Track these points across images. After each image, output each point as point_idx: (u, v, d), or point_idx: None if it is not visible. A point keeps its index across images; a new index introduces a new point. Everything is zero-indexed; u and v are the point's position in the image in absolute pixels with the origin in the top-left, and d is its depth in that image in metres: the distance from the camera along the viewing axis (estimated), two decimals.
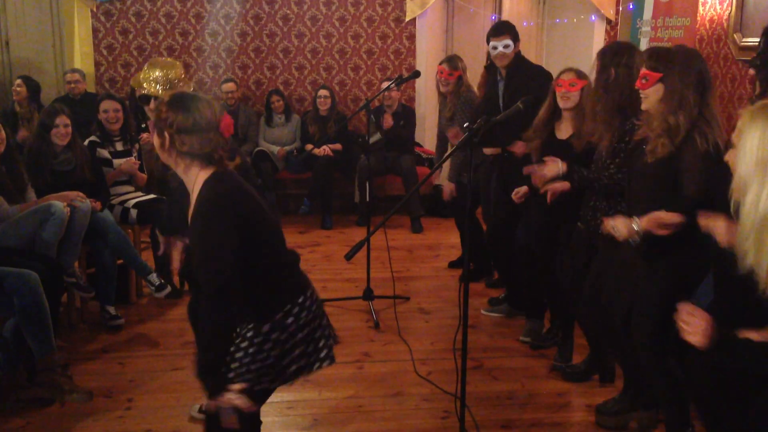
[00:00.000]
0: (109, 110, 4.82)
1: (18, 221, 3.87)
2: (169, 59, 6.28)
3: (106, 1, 7.17)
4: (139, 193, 5.00)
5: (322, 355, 2.45)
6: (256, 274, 2.28)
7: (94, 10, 7.20)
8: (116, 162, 4.86)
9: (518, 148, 4.07)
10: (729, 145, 2.08)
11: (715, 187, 2.45)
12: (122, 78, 7.37)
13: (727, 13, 5.37)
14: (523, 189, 3.86)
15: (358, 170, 6.84)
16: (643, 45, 5.87)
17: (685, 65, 2.74)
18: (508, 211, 4.30)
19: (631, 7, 6.25)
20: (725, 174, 2.23)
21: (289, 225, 6.57)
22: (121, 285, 4.62)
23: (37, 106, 6.30)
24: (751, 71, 2.66)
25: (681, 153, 2.71)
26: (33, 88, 6.42)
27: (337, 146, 6.98)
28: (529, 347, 4.10)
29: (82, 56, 7.17)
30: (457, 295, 2.78)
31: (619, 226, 2.76)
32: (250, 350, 2.30)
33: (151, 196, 4.99)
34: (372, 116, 6.61)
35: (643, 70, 2.82)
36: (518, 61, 4.31)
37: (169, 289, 4.59)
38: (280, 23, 7.48)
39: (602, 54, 3.29)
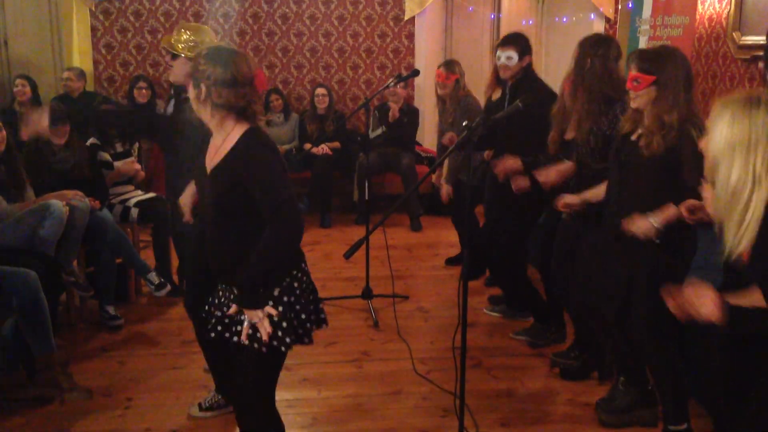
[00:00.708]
0: None
1: (17, 220, 3.87)
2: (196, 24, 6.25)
3: None
4: (140, 192, 5.00)
5: (322, 316, 2.62)
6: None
7: (93, 8, 7.19)
8: (117, 164, 4.87)
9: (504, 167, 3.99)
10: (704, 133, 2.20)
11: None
12: (121, 77, 7.36)
13: (726, 11, 5.36)
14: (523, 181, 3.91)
15: (357, 169, 6.84)
16: (642, 43, 5.87)
17: (675, 66, 2.84)
18: (501, 212, 4.29)
19: (630, 5, 6.24)
20: None
21: None
22: (120, 284, 4.62)
23: (37, 105, 6.29)
24: (761, 65, 2.71)
25: (680, 147, 2.78)
26: (33, 87, 6.42)
27: (336, 145, 6.98)
28: (528, 346, 4.10)
29: (80, 55, 7.17)
30: (456, 293, 2.78)
31: (640, 225, 2.78)
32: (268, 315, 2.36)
33: (152, 194, 4.99)
34: (377, 111, 6.62)
35: (634, 73, 2.88)
36: (525, 77, 4.13)
37: (168, 287, 4.60)
38: (279, 22, 7.48)
39: (581, 44, 3.39)
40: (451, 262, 5.63)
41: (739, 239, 1.96)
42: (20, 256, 3.65)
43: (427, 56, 7.58)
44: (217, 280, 2.54)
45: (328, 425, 3.29)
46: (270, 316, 2.33)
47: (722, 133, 2.00)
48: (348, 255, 2.64)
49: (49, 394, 3.44)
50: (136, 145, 5.04)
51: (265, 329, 2.31)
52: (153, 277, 4.55)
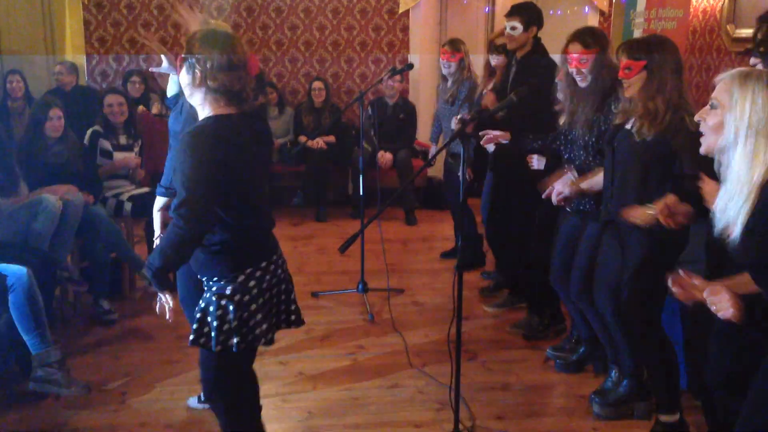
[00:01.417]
0: (114, 104, 4.81)
1: (10, 215, 3.85)
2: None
3: None
4: (133, 186, 4.98)
5: (293, 317, 2.56)
6: (222, 228, 2.30)
7: (86, 2, 7.15)
8: (117, 155, 4.84)
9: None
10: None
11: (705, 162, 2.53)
12: (114, 71, 7.33)
13: (720, 4, 5.37)
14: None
15: (352, 162, 6.83)
16: (637, 36, 5.86)
17: (664, 52, 2.85)
18: (502, 203, 4.31)
19: None
20: None
21: (282, 217, 6.56)
22: (114, 278, 4.61)
23: (29, 100, 6.26)
24: (753, 60, 2.68)
25: (674, 135, 2.78)
26: (26, 82, 6.38)
27: (331, 138, 6.97)
28: (524, 338, 4.11)
29: (73, 49, 7.12)
30: (452, 287, 2.78)
31: (638, 215, 2.77)
32: (218, 312, 2.33)
33: (146, 189, 4.97)
34: (370, 109, 6.60)
35: (626, 61, 2.89)
36: (533, 48, 4.14)
37: None
38: (273, 15, 7.45)
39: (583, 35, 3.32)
40: (446, 255, 5.64)
41: (739, 219, 1.93)
42: (14, 252, 3.63)
43: (421, 49, 7.56)
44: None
45: (323, 419, 3.29)
46: (221, 316, 2.32)
47: (743, 113, 1.94)
48: (343, 249, 2.64)
49: (45, 390, 3.43)
50: (140, 141, 5.01)
51: (161, 306, 2.41)
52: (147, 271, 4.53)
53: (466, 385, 3.32)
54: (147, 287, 4.59)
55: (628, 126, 2.96)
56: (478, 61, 5.58)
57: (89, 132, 4.79)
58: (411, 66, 5.05)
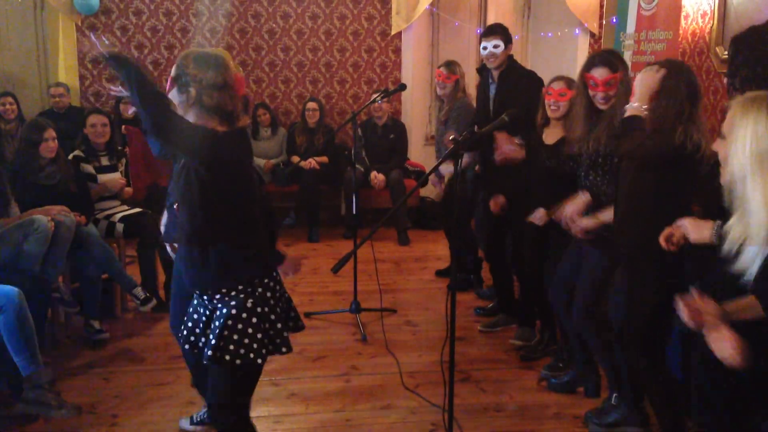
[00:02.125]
0: (97, 124, 4.81)
1: (1, 236, 3.83)
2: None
3: (91, 15, 7.15)
4: (125, 207, 4.97)
5: (300, 323, 2.61)
6: (230, 241, 2.34)
7: (79, 23, 7.18)
8: (101, 177, 4.83)
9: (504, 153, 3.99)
10: (718, 135, 2.11)
11: (683, 181, 2.64)
12: (107, 92, 7.33)
13: (709, 26, 5.42)
14: (501, 199, 4.01)
15: (345, 183, 6.84)
16: (627, 58, 5.91)
17: (689, 74, 2.82)
18: (498, 221, 4.31)
19: (614, 20, 6.30)
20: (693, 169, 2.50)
21: None
22: (106, 299, 4.60)
23: (21, 121, 6.26)
24: (726, 80, 2.70)
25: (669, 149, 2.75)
26: (18, 104, 6.39)
27: (324, 159, 6.99)
28: (519, 359, 4.11)
29: (66, 70, 7.15)
30: (445, 307, 2.77)
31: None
32: (239, 326, 2.34)
33: (137, 209, 4.96)
34: (359, 129, 6.63)
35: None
36: (510, 65, 4.32)
37: (154, 302, 4.57)
38: (266, 37, 7.49)
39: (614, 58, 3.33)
40: (440, 273, 5.64)
41: (757, 260, 1.89)
42: (5, 273, 3.62)
43: (413, 71, 7.62)
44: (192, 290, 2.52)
45: None
46: (243, 330, 2.33)
47: (744, 142, 1.89)
48: (336, 269, 2.63)
49: (35, 412, 3.40)
50: (124, 160, 5.01)
51: None
52: (139, 292, 4.52)
53: (459, 406, 3.30)
54: (138, 308, 4.57)
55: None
56: (471, 82, 5.62)
57: (71, 157, 4.74)
58: (404, 87, 5.08)
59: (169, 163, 3.25)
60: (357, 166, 5.67)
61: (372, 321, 4.63)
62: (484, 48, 4.27)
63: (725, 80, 2.61)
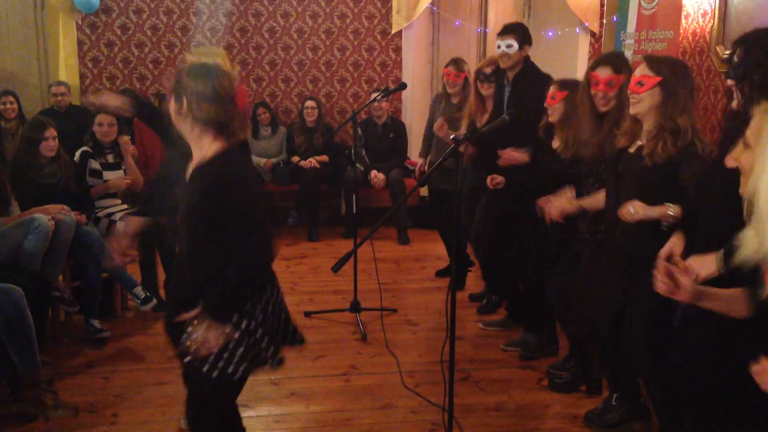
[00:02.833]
0: (104, 123, 4.83)
1: (2, 235, 3.83)
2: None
3: (91, 13, 7.15)
4: (126, 206, 4.97)
5: (297, 336, 2.58)
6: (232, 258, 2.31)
7: (80, 22, 7.18)
8: (106, 174, 4.85)
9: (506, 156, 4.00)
10: (743, 143, 2.01)
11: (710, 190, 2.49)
12: (108, 90, 7.33)
13: (709, 26, 5.42)
14: (500, 178, 3.95)
15: (345, 182, 6.84)
16: (627, 57, 5.91)
17: (684, 72, 2.83)
18: (497, 224, 4.31)
19: (615, 19, 6.30)
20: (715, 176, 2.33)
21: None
22: (106, 298, 4.59)
23: (22, 120, 6.26)
24: (729, 82, 2.66)
25: (683, 159, 2.72)
26: (19, 103, 6.38)
27: (324, 158, 6.99)
28: (519, 358, 4.10)
29: (66, 69, 7.14)
30: (444, 306, 2.77)
31: (636, 208, 2.73)
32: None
33: (137, 208, 4.96)
34: (359, 129, 6.63)
35: (639, 75, 2.81)
36: (526, 66, 4.21)
37: (154, 301, 4.57)
38: (267, 36, 7.49)
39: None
40: (441, 274, 5.63)
41: None
42: (5, 272, 3.61)
43: (414, 70, 7.61)
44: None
45: None
46: (225, 343, 2.29)
47: None
48: (336, 268, 2.64)
49: (34, 412, 3.39)
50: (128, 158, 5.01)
51: (208, 347, 2.25)
52: (139, 291, 4.52)
53: (459, 405, 3.30)
54: (138, 307, 4.57)
55: (632, 150, 2.91)
56: (470, 83, 5.63)
57: (79, 152, 4.81)
58: (404, 86, 5.08)
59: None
60: (357, 165, 5.67)
61: (372, 320, 4.63)
62: (498, 47, 4.17)
63: (729, 82, 2.56)
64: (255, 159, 7.03)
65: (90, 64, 7.32)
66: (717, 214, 2.37)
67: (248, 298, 2.33)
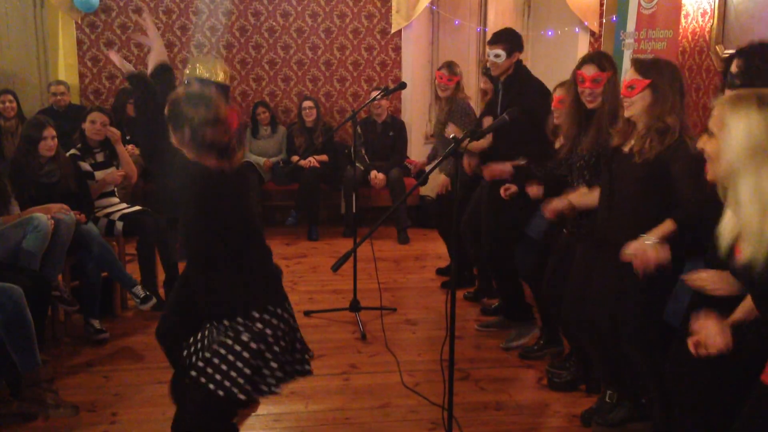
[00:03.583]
0: (97, 121, 4.79)
1: (1, 234, 3.83)
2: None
3: (90, 12, 7.14)
4: (125, 205, 4.97)
5: (307, 367, 2.62)
6: (231, 267, 2.40)
7: (79, 21, 7.17)
8: (98, 174, 4.83)
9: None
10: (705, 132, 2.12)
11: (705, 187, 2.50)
12: (107, 90, 7.34)
13: (708, 25, 5.43)
14: (513, 187, 3.95)
15: (345, 181, 6.84)
16: (627, 57, 5.91)
17: (672, 72, 2.88)
18: (501, 224, 4.30)
19: (614, 19, 6.30)
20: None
21: (275, 236, 6.55)
22: (105, 298, 4.59)
23: (21, 119, 6.25)
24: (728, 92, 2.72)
25: (673, 156, 2.78)
26: (18, 102, 6.38)
27: (324, 158, 6.98)
28: (519, 357, 4.10)
29: (66, 68, 7.14)
30: (444, 306, 2.77)
31: (637, 247, 2.73)
32: (230, 358, 2.34)
33: (137, 207, 4.96)
34: (359, 127, 6.64)
35: (630, 79, 2.90)
36: (516, 72, 4.22)
37: (154, 301, 4.56)
38: (266, 35, 7.49)
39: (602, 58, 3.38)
40: (442, 272, 5.64)
41: (762, 249, 1.88)
42: (5, 271, 3.61)
43: (413, 69, 7.61)
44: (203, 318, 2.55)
45: None
46: (233, 362, 2.35)
47: (738, 137, 1.90)
48: (335, 267, 2.64)
49: (34, 411, 3.39)
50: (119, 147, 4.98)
51: None
52: (138, 290, 4.52)
53: (459, 404, 3.30)
54: (138, 306, 4.56)
55: (626, 149, 2.96)
56: (471, 80, 5.63)
57: (68, 155, 4.72)
58: (404, 85, 5.08)
59: None
60: (357, 164, 5.67)
61: (371, 319, 4.63)
62: (488, 55, 4.26)
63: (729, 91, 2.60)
64: (254, 158, 7.04)
65: (89, 64, 7.31)
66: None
67: (251, 320, 2.37)
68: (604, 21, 6.90)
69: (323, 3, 7.48)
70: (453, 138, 2.88)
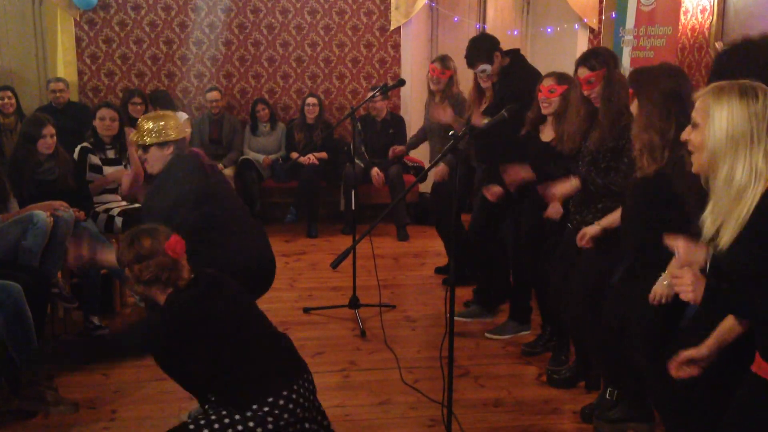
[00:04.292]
0: (106, 117, 4.84)
1: (0, 231, 3.83)
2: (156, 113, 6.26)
3: (89, 9, 7.13)
4: (124, 202, 4.97)
5: None
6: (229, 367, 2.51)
7: (78, 19, 7.16)
8: (106, 170, 4.86)
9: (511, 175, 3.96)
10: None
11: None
12: (106, 87, 7.33)
13: (708, 22, 5.43)
14: (497, 189, 3.96)
15: (344, 178, 6.84)
16: (626, 54, 5.92)
17: (653, 84, 2.80)
18: (489, 214, 4.29)
19: (613, 16, 6.30)
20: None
21: (274, 234, 6.53)
22: (105, 295, 4.59)
23: (20, 116, 6.25)
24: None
25: (675, 175, 2.69)
26: (17, 98, 6.37)
27: (323, 155, 6.98)
28: (522, 354, 4.10)
29: (65, 65, 7.13)
30: (444, 302, 2.78)
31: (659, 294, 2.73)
32: None
33: (137, 204, 4.96)
34: (358, 123, 6.63)
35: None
36: (511, 65, 4.26)
37: None
38: (265, 32, 7.48)
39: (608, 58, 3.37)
40: (440, 270, 5.64)
41: (733, 234, 1.92)
42: (4, 268, 3.61)
43: (412, 66, 7.61)
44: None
45: None
46: None
47: (721, 126, 1.93)
48: (335, 264, 2.64)
49: (34, 408, 3.40)
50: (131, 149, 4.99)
51: None
52: None
53: (458, 401, 3.31)
54: (137, 303, 4.57)
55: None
56: (468, 79, 5.61)
57: (78, 148, 4.81)
58: (403, 82, 5.08)
59: None
60: (356, 161, 5.66)
61: (371, 316, 4.64)
62: (476, 73, 4.30)
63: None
64: (254, 155, 7.04)
65: (88, 61, 7.30)
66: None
67: (258, 407, 2.44)
68: (603, 18, 6.90)
69: (322, 0, 7.48)
70: (452, 135, 2.87)
